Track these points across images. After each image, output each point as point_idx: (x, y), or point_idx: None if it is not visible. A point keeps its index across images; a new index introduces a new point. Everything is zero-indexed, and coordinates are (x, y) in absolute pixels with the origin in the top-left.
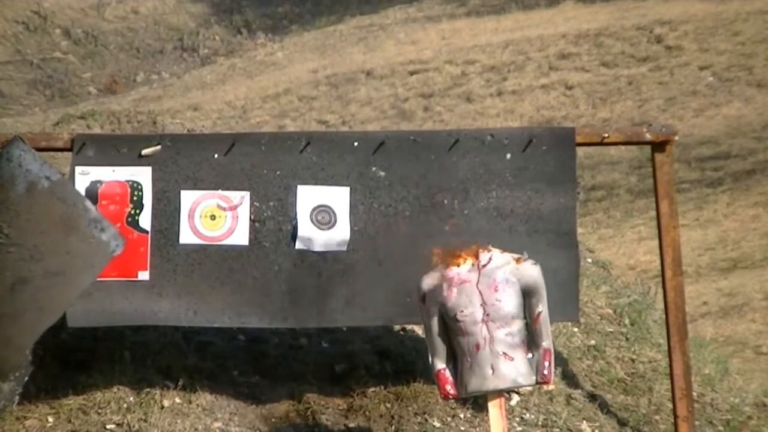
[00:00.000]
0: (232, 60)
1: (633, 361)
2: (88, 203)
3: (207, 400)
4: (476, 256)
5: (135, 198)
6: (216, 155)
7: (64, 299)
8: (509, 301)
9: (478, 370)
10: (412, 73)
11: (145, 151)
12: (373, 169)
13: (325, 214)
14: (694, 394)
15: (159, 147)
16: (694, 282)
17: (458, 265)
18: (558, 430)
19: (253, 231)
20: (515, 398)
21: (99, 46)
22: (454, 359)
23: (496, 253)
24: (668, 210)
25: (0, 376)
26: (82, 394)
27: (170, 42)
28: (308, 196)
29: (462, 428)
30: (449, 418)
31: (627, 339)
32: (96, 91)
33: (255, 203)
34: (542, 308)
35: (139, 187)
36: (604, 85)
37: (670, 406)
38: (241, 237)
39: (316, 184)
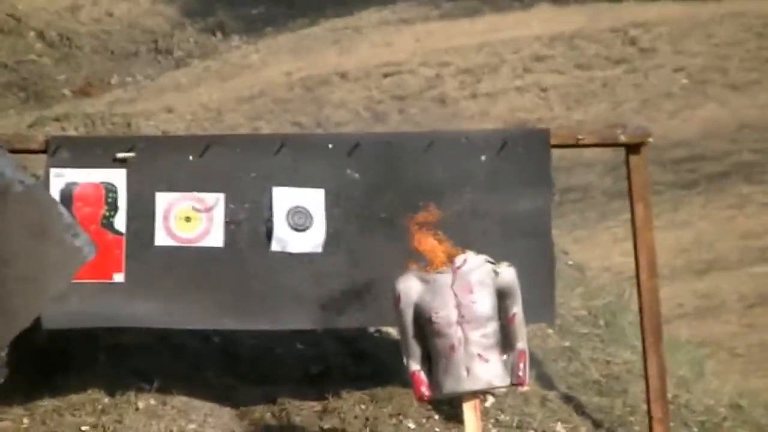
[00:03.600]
0: (206, 62)
1: (608, 362)
2: (62, 208)
3: (182, 402)
4: (451, 258)
5: (110, 200)
6: (191, 157)
7: (36, 304)
8: (484, 303)
9: (453, 371)
10: (386, 76)
11: (120, 155)
12: (348, 171)
13: (300, 216)
14: (669, 395)
15: (133, 154)
16: (669, 283)
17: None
18: (533, 431)
19: (229, 233)
20: (490, 400)
21: (73, 48)
22: (429, 361)
23: (471, 255)
24: (643, 212)
25: None
26: (56, 396)
27: (144, 44)
28: (284, 198)
29: (437, 429)
30: (424, 420)
31: (602, 340)
32: (70, 93)
33: (230, 205)
34: (517, 310)
35: (114, 189)
36: (578, 87)
37: (645, 407)
38: (216, 239)
39: (291, 185)
